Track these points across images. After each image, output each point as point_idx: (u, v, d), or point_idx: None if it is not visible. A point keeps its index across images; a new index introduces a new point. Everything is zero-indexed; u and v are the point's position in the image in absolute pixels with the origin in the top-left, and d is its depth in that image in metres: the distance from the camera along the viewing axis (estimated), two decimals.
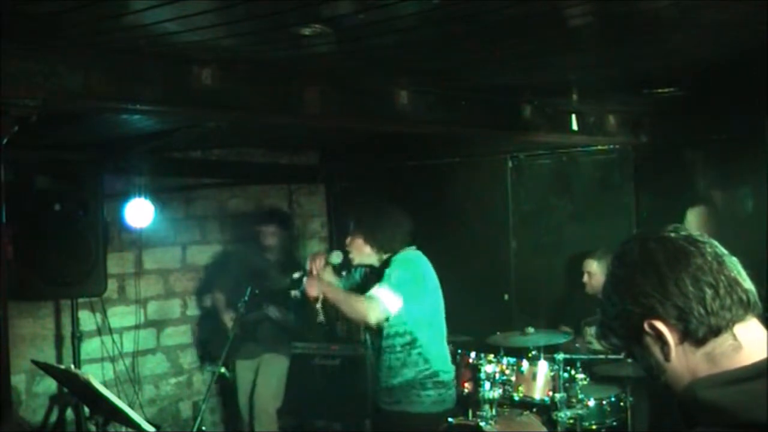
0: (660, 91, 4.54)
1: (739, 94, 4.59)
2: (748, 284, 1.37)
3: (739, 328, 1.33)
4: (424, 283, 3.96)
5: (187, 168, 6.29)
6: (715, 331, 1.33)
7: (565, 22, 2.98)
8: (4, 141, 2.94)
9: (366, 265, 4.15)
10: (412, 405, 3.94)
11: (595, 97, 4.96)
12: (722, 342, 1.33)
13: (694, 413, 1.31)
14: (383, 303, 3.79)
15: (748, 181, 5.14)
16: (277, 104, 3.80)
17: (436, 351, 4.00)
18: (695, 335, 1.33)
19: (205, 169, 6.45)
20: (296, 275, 4.09)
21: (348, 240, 4.13)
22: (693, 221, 5.00)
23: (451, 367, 4.15)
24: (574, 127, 5.40)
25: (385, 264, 3.99)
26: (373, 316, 3.80)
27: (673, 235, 1.40)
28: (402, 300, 3.82)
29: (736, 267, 1.38)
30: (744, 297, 1.35)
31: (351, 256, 4.12)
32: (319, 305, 3.91)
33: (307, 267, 4.04)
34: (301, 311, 5.91)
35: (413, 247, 4.08)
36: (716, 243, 1.40)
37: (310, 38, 2.96)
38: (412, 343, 3.92)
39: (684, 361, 1.35)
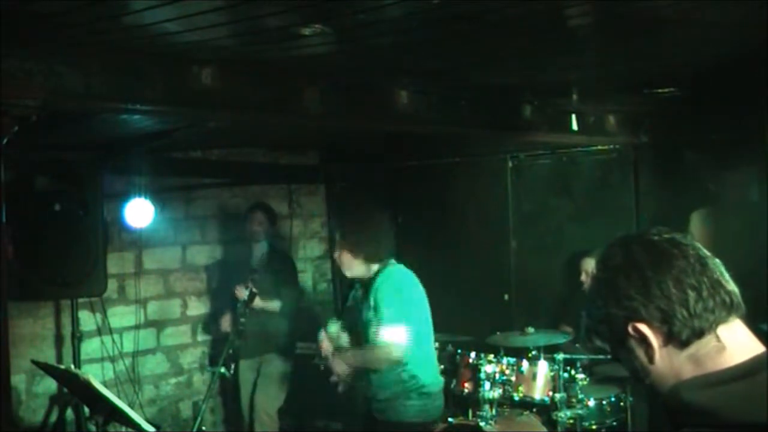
0: (660, 91, 4.54)
1: (739, 94, 4.59)
2: (731, 286, 1.37)
3: (722, 330, 1.34)
4: (410, 306, 3.99)
5: (187, 168, 6.28)
6: (699, 333, 1.33)
7: (565, 22, 2.98)
8: (4, 141, 2.94)
9: (357, 278, 4.16)
10: (397, 414, 3.99)
11: (595, 97, 4.96)
12: (706, 343, 1.34)
13: (679, 415, 1.32)
14: (395, 344, 3.88)
15: (748, 181, 5.14)
16: (277, 104, 3.80)
17: (423, 365, 4.04)
18: (679, 337, 1.34)
19: (205, 169, 6.44)
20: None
21: (336, 254, 4.19)
22: (697, 223, 5.01)
23: (440, 379, 4.18)
24: (574, 127, 5.40)
25: (372, 281, 4.02)
26: (396, 358, 3.92)
27: (656, 237, 1.41)
28: (403, 326, 3.90)
29: (719, 268, 1.38)
30: (727, 298, 1.35)
31: (342, 269, 4.17)
32: (343, 377, 4.12)
33: (320, 349, 4.22)
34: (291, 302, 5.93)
35: (393, 260, 4.11)
36: (699, 245, 1.40)
37: (310, 38, 2.96)
38: (399, 363, 3.95)
39: (668, 363, 1.36)
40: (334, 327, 4.28)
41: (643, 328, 1.35)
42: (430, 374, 4.07)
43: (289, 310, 5.82)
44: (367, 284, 4.07)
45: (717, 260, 1.39)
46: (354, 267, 4.07)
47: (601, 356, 4.85)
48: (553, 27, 3.04)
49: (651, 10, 2.80)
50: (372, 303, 3.97)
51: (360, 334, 4.11)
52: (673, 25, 3.04)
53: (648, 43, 3.37)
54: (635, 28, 3.08)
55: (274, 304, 5.69)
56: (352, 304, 4.25)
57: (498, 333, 5.16)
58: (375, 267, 4.04)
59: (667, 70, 4.07)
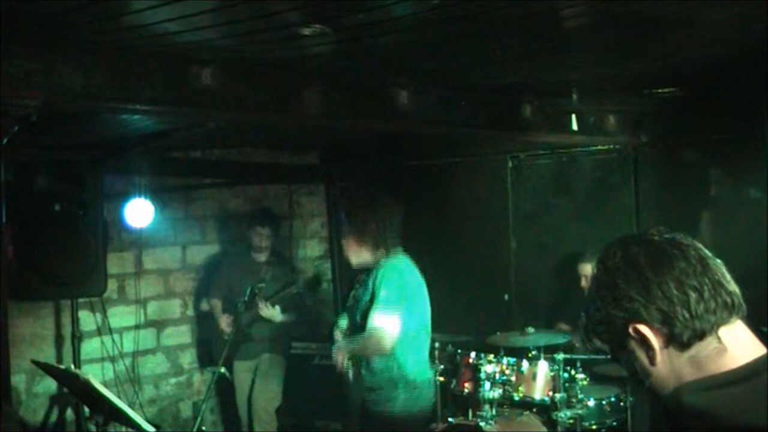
0: (660, 91, 4.54)
1: (739, 94, 4.59)
2: (732, 286, 1.36)
3: (723, 331, 1.33)
4: (404, 296, 4.00)
5: (187, 168, 6.28)
6: (700, 335, 1.32)
7: (565, 22, 2.98)
8: (4, 141, 2.94)
9: (363, 266, 4.17)
10: (388, 405, 4.02)
11: (595, 97, 4.96)
12: (707, 345, 1.33)
13: (680, 418, 1.32)
14: (386, 331, 3.90)
15: (748, 181, 5.14)
16: (277, 104, 3.80)
17: (413, 357, 4.06)
18: (680, 339, 1.33)
19: (205, 169, 6.44)
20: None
21: (343, 241, 4.22)
22: (707, 222, 5.03)
23: (429, 371, 4.23)
24: (574, 127, 5.40)
25: (375, 271, 4.02)
26: (387, 346, 3.94)
27: (655, 238, 1.40)
28: (396, 315, 3.92)
29: (720, 269, 1.37)
30: (728, 300, 1.34)
31: (349, 257, 4.19)
32: (347, 363, 4.15)
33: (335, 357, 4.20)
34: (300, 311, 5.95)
35: (400, 251, 4.12)
36: (700, 245, 1.39)
37: (310, 38, 2.96)
38: (389, 354, 3.97)
39: (669, 364, 1.35)
40: (343, 322, 4.33)
41: (643, 329, 1.34)
42: (417, 366, 4.07)
43: (290, 315, 5.85)
44: (369, 274, 4.08)
45: (718, 261, 1.38)
46: (361, 254, 4.10)
47: (600, 356, 4.85)
48: (553, 27, 3.04)
49: (651, 10, 2.80)
50: (370, 290, 4.00)
51: (361, 325, 4.11)
52: (673, 25, 3.04)
53: (648, 43, 3.37)
54: (635, 28, 3.08)
55: (290, 316, 5.76)
56: (353, 301, 4.24)
57: (498, 333, 5.15)
58: (381, 256, 4.05)
59: (667, 70, 4.07)
